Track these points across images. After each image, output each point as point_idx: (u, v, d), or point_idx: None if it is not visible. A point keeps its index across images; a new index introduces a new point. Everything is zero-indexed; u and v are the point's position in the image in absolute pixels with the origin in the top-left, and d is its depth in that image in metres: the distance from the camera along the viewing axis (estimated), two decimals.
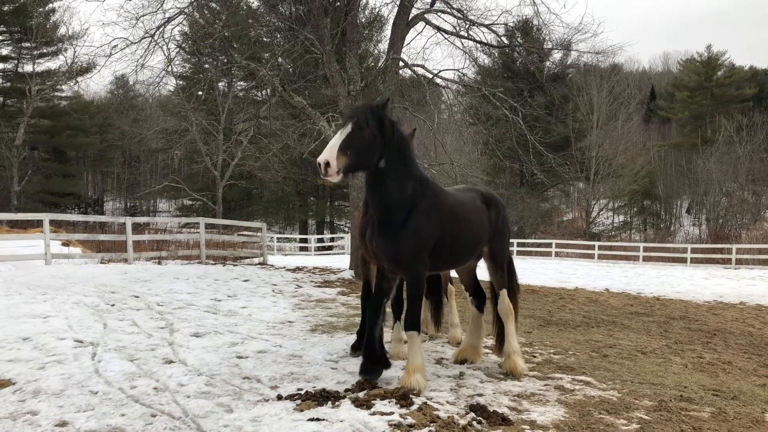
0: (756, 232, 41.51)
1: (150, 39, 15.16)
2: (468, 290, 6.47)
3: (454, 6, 15.97)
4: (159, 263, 16.35)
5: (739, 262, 29.45)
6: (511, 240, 6.57)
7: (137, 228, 24.70)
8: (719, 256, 31.14)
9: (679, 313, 11.53)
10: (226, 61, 19.63)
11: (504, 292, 6.09)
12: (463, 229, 5.65)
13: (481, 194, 6.12)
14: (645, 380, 5.92)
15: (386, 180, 5.13)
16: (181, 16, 15.74)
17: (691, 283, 19.02)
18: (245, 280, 12.66)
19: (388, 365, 5.55)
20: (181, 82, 39.40)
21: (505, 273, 6.13)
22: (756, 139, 48.53)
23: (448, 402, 4.85)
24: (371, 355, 5.41)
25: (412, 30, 16.08)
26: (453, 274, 7.90)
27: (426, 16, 16.02)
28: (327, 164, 4.70)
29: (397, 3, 15.81)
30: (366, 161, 4.99)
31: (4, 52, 49.43)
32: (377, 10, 26.14)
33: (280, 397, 4.83)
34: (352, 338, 6.83)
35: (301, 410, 4.49)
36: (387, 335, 7.22)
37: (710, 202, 48.90)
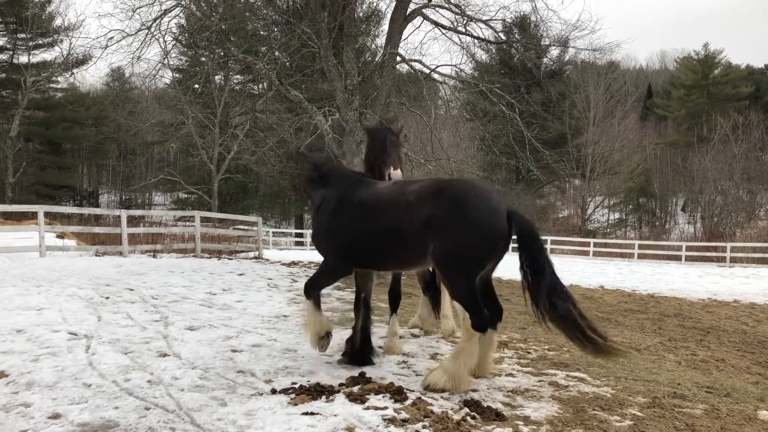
0: (750, 231, 41.64)
1: (146, 31, 15.12)
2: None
3: (452, 1, 15.93)
4: (154, 256, 16.30)
5: (733, 260, 29.58)
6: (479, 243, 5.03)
7: (132, 221, 24.67)
8: (714, 254, 31.24)
9: (674, 310, 11.57)
10: (222, 54, 19.56)
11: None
12: (370, 224, 5.37)
13: (427, 185, 5.32)
14: (639, 377, 5.93)
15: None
16: (178, 8, 15.69)
17: (685, 281, 19.09)
18: (240, 274, 12.62)
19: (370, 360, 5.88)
20: (177, 75, 39.14)
21: (453, 282, 5.12)
22: (751, 137, 48.65)
23: (442, 397, 4.84)
24: (351, 347, 5.93)
25: (409, 25, 16.04)
26: None
27: (424, 11, 15.97)
28: None
29: None
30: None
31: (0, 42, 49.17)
32: (375, 4, 26.03)
33: (274, 391, 4.82)
34: (347, 333, 6.81)
35: (296, 404, 4.49)
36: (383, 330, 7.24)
37: (705, 200, 49.02)
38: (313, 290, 5.79)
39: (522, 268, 5.08)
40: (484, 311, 5.00)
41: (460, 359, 5.03)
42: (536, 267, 5.03)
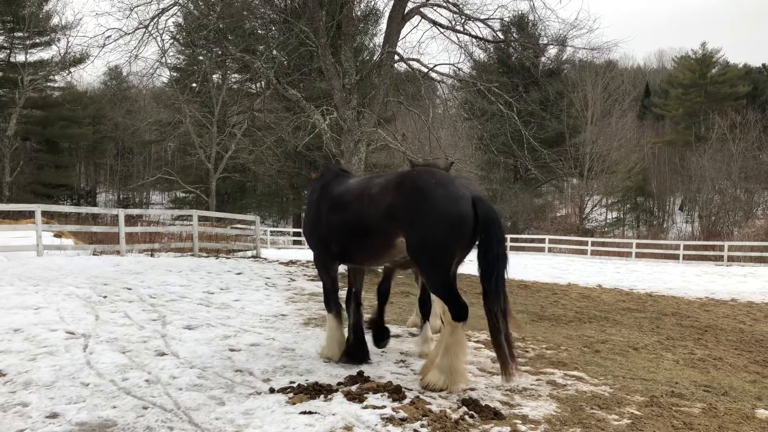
0: (748, 230, 41.71)
1: (144, 30, 15.07)
2: None
3: (450, 0, 15.93)
4: (152, 255, 16.29)
5: (731, 259, 29.62)
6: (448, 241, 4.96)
7: (130, 220, 24.65)
8: (711, 253, 31.29)
9: (671, 309, 11.59)
10: (220, 53, 19.51)
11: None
12: (340, 216, 5.58)
13: (391, 178, 5.38)
14: (637, 376, 5.94)
15: None
16: (176, 6, 15.64)
17: (683, 280, 19.12)
18: (238, 273, 12.62)
19: (366, 355, 5.93)
20: (174, 74, 39.07)
21: (428, 274, 5.11)
22: (749, 137, 48.71)
23: (440, 396, 4.84)
24: (348, 345, 5.94)
25: (407, 24, 16.03)
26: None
27: (422, 9, 15.97)
28: None
29: None
30: None
31: None
32: (373, 3, 26.06)
33: (272, 390, 4.82)
34: (344, 332, 6.82)
35: (294, 403, 4.48)
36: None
37: (703, 199, 49.10)
38: (330, 303, 5.98)
39: (478, 256, 4.96)
40: (462, 300, 4.98)
41: (451, 353, 5.02)
42: (488, 258, 4.90)
